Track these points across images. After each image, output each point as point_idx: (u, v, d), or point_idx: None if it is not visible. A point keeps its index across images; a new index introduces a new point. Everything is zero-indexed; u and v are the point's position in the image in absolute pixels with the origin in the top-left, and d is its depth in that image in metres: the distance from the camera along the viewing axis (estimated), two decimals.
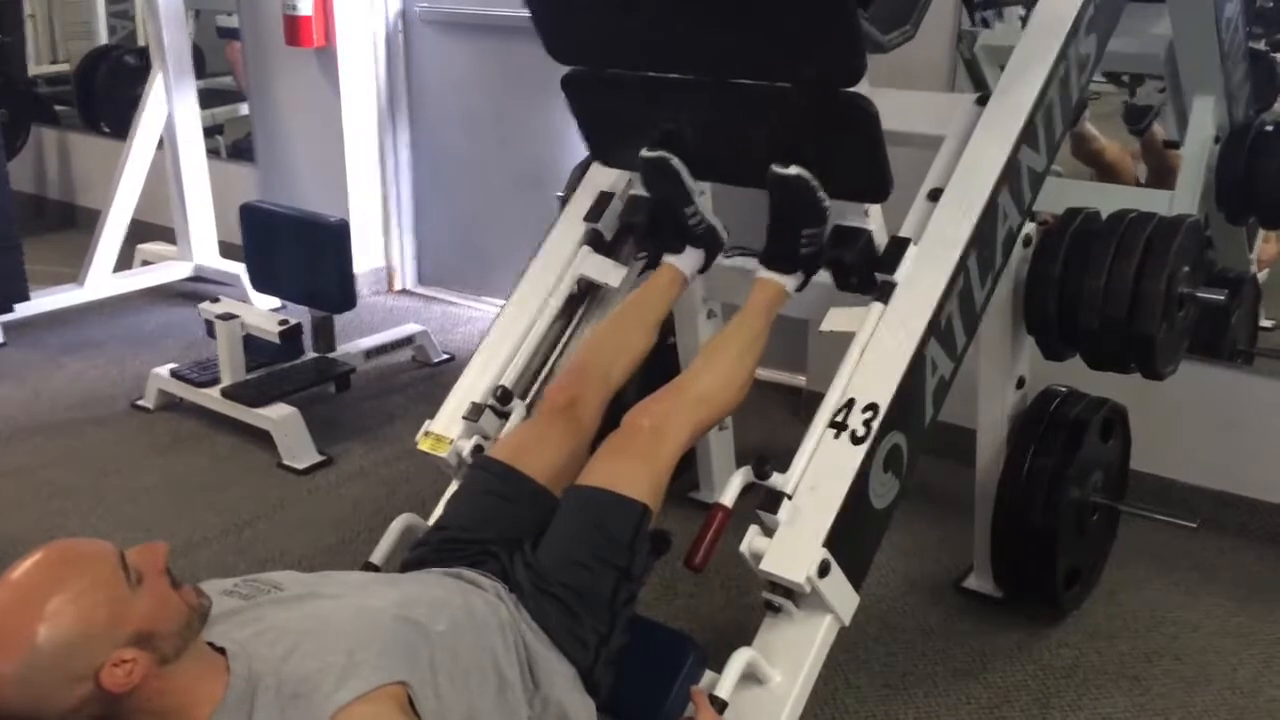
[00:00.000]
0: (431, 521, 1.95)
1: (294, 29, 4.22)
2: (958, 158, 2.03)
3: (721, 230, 2.17)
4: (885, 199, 1.94)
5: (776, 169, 1.91)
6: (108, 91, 5.32)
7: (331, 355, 3.58)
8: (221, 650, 1.37)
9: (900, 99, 2.14)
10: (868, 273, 1.98)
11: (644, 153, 2.03)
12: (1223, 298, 2.30)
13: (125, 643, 1.24)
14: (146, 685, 1.26)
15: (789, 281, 2.04)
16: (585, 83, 2.09)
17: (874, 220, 2.00)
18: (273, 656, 1.36)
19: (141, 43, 5.28)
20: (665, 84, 1.99)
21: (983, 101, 2.09)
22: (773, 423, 3.42)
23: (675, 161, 2.02)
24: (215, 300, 3.50)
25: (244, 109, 4.85)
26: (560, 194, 2.53)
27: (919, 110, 2.18)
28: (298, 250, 3.51)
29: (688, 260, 2.16)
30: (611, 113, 2.13)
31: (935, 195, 1.99)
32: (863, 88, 1.82)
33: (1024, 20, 3.07)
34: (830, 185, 1.93)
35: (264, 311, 3.69)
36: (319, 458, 3.26)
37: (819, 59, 1.79)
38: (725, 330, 2.05)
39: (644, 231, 2.19)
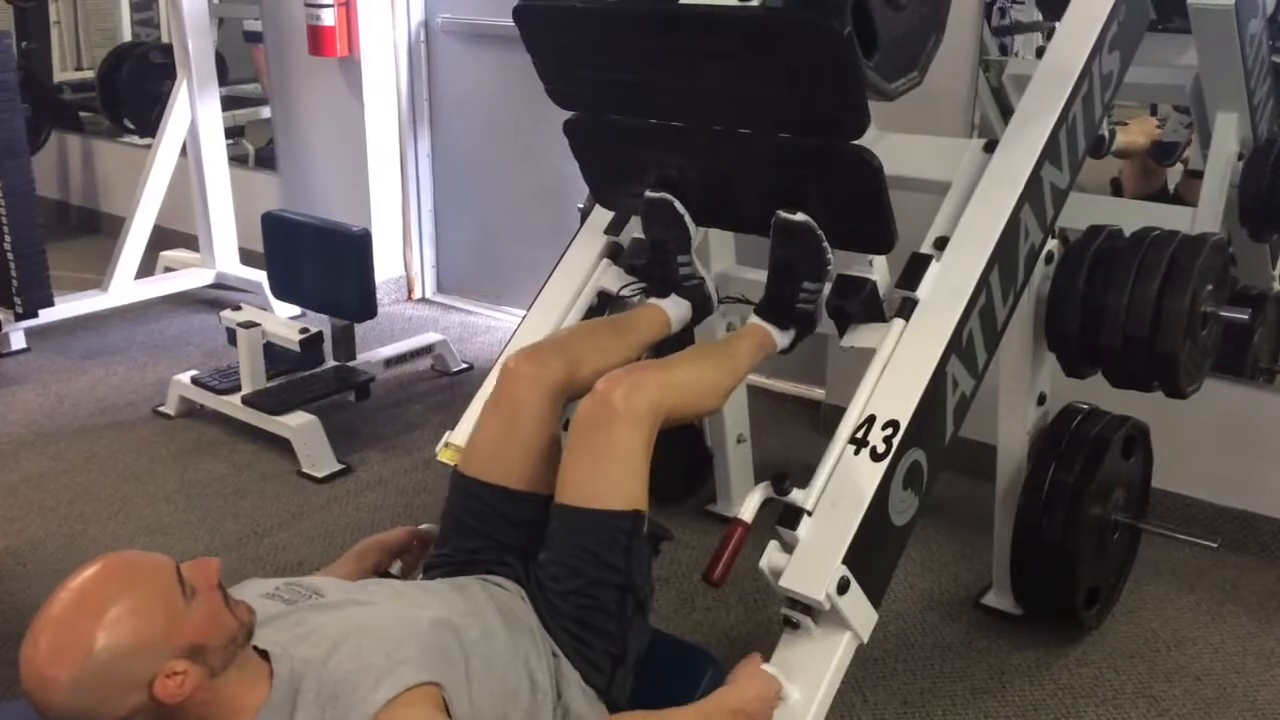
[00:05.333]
0: None
1: (317, 39, 4.25)
2: (964, 206, 2.01)
3: (713, 294, 2.14)
4: (889, 250, 1.93)
5: (784, 214, 1.91)
6: (132, 90, 5.25)
7: (351, 364, 3.60)
8: (264, 653, 1.40)
9: (907, 143, 2.14)
10: (871, 322, 1.96)
11: (648, 193, 2.03)
12: (1246, 316, 2.29)
13: (178, 654, 1.27)
14: (196, 695, 1.29)
15: (780, 337, 2.01)
16: (587, 128, 2.11)
17: (878, 271, 1.98)
18: (314, 658, 1.39)
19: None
20: (666, 131, 1.99)
21: (990, 148, 2.07)
22: (791, 436, 3.42)
23: (678, 205, 2.02)
24: (237, 308, 3.51)
25: (265, 112, 4.88)
26: (581, 206, 2.54)
27: (926, 155, 2.16)
28: (319, 259, 3.52)
29: (672, 306, 2.09)
30: (612, 158, 2.14)
31: (941, 244, 1.97)
32: (869, 134, 1.82)
33: (1045, 33, 3.10)
34: (833, 236, 1.93)
35: (285, 320, 3.71)
36: (338, 466, 3.28)
37: (821, 112, 1.80)
38: (713, 343, 2.03)
39: (646, 274, 2.19)
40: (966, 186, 2.03)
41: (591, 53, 1.96)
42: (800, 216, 1.90)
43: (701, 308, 2.12)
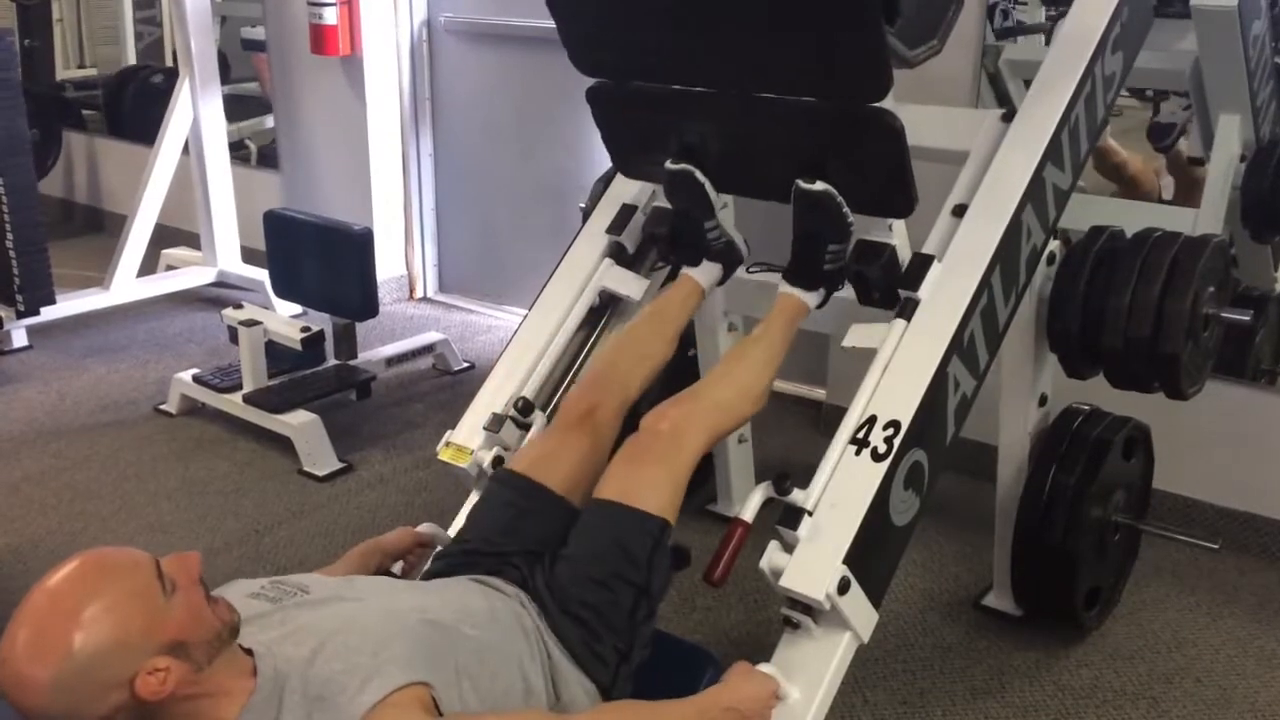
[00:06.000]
0: (451, 533, 1.95)
1: (320, 38, 4.25)
2: (982, 174, 2.03)
3: (741, 244, 2.19)
4: (910, 214, 1.94)
5: (802, 184, 1.92)
6: (135, 111, 5.37)
7: (353, 362, 3.60)
8: (249, 651, 1.38)
9: (925, 114, 2.13)
10: (890, 288, 1.97)
11: (669, 164, 2.04)
12: (1248, 318, 2.29)
13: (159, 651, 1.25)
14: (179, 691, 1.28)
15: (810, 298, 2.05)
16: (610, 95, 2.10)
17: (898, 235, 1.99)
18: (299, 657, 1.38)
19: (169, 49, 5.33)
20: (689, 97, 1.99)
21: (1008, 118, 2.08)
22: (792, 436, 3.42)
23: (699, 174, 2.03)
24: (238, 306, 3.52)
25: (269, 122, 4.88)
26: (582, 205, 2.55)
27: (943, 125, 2.18)
28: (321, 257, 3.52)
29: (704, 273, 2.17)
30: (635, 125, 2.14)
31: (960, 211, 1.99)
32: (887, 102, 1.82)
33: (1048, 35, 3.10)
34: (854, 200, 1.93)
35: (286, 318, 3.71)
36: (339, 465, 3.28)
37: (845, 75, 1.79)
38: (745, 340, 2.05)
39: (668, 242, 2.20)
40: (985, 155, 2.05)
41: (617, 18, 1.96)
42: (820, 185, 1.91)
43: (731, 265, 2.19)
